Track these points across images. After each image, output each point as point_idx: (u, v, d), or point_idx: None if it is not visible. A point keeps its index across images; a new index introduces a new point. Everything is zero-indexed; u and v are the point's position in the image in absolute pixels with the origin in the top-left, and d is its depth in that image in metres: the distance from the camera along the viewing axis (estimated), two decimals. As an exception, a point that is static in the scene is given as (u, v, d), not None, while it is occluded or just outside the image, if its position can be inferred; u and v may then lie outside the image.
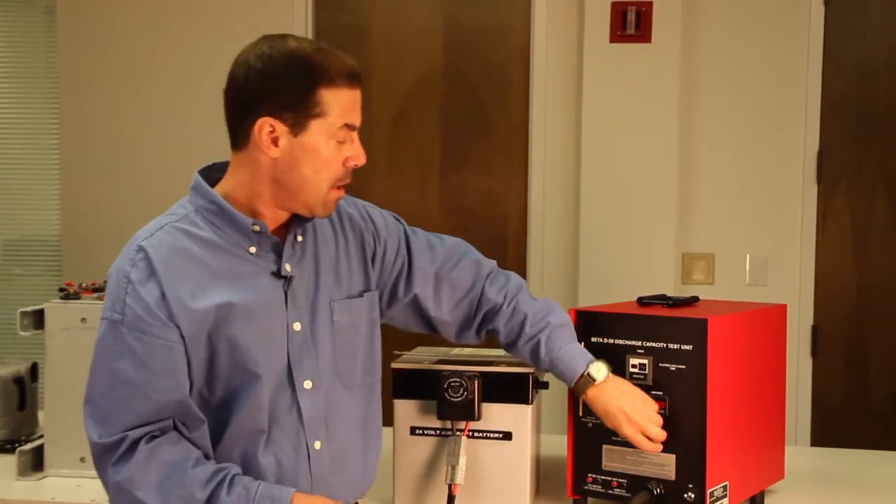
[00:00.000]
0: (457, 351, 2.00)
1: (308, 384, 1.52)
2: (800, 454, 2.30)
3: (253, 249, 1.49)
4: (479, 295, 1.77)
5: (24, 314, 2.08)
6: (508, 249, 3.68)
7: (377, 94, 3.73)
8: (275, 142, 1.46)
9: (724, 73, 3.52)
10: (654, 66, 3.41)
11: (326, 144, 1.47)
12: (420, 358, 1.90)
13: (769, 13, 3.50)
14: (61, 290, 2.12)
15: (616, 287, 3.15)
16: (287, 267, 1.52)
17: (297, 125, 1.46)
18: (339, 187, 1.51)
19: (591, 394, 1.68)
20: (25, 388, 2.44)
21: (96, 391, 1.44)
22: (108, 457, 1.42)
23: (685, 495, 1.65)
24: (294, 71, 1.45)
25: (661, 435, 1.65)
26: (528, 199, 3.65)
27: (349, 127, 1.49)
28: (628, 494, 1.70)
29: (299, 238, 1.55)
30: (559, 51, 3.58)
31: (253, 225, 1.48)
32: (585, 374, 1.69)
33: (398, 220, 1.77)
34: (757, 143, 3.52)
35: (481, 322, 1.79)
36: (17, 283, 4.16)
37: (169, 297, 1.42)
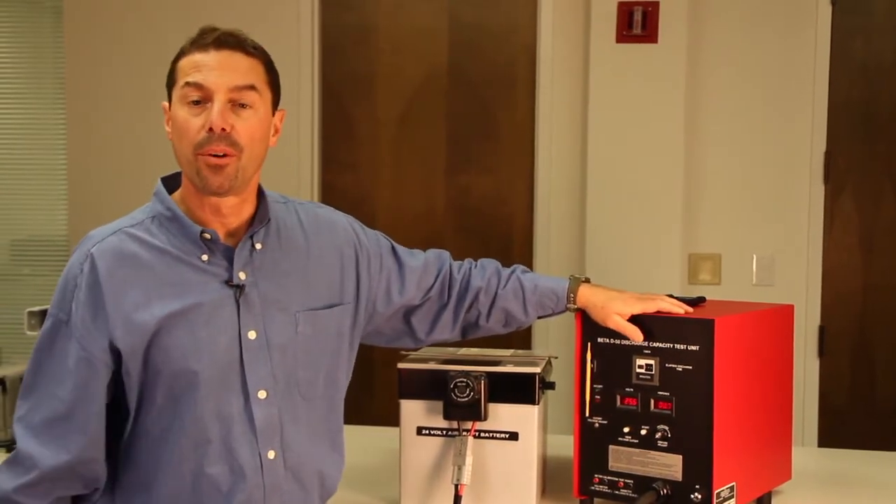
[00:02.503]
0: (463, 351, 2.00)
1: (262, 394, 1.51)
2: (807, 455, 2.30)
3: (205, 257, 1.50)
4: (448, 271, 1.83)
5: (31, 314, 2.09)
6: (514, 249, 3.68)
7: (382, 94, 3.74)
8: (167, 122, 1.52)
9: (731, 74, 3.51)
10: (660, 66, 3.41)
11: (179, 109, 1.47)
12: (426, 358, 1.90)
13: (776, 13, 3.49)
14: (68, 289, 2.12)
15: (622, 287, 3.14)
16: (241, 275, 1.51)
17: (170, 100, 1.51)
18: (207, 154, 1.45)
19: (584, 290, 1.77)
20: (32, 388, 2.44)
21: (29, 382, 1.49)
22: (11, 469, 1.47)
23: (692, 496, 1.65)
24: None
25: (676, 305, 1.72)
26: (534, 199, 3.65)
27: (191, 86, 1.46)
28: (635, 495, 1.70)
29: (258, 246, 1.54)
30: (565, 51, 3.58)
31: (203, 233, 1.49)
32: (570, 278, 1.80)
33: (384, 236, 1.80)
34: (764, 143, 3.52)
35: (460, 296, 1.81)
36: (25, 282, 4.18)
37: (108, 310, 1.44)
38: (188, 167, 1.48)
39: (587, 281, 1.81)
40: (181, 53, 1.50)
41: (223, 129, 1.44)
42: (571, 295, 1.78)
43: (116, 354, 1.45)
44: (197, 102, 1.46)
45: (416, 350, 1.93)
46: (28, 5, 4.20)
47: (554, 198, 3.62)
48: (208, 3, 3.72)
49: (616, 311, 1.71)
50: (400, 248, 1.80)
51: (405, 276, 1.76)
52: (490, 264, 1.86)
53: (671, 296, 1.82)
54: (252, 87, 1.48)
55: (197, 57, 1.47)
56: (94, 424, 1.47)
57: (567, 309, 1.80)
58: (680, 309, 1.71)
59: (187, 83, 1.46)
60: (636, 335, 1.69)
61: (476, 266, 1.86)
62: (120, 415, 1.50)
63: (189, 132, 1.46)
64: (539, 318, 1.85)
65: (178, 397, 1.47)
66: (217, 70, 1.45)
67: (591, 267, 3.47)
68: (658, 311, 1.71)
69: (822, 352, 3.55)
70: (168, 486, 1.49)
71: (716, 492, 1.64)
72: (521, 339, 3.61)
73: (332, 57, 3.75)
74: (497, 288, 1.82)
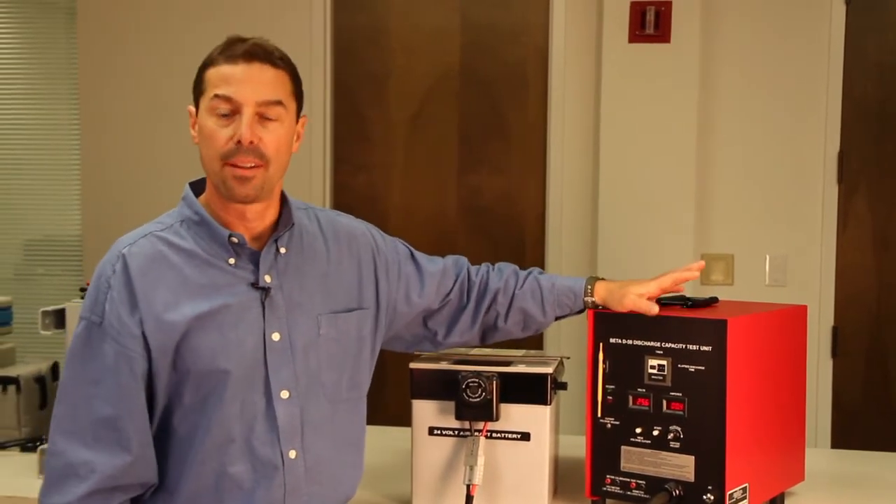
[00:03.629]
0: (476, 351, 2.00)
1: (285, 394, 1.53)
2: (820, 456, 2.29)
3: (232, 261, 1.52)
4: (466, 275, 1.85)
5: (45, 314, 2.11)
6: (526, 250, 3.68)
7: (394, 95, 3.74)
8: (193, 126, 1.54)
9: (744, 73, 3.50)
10: (672, 65, 3.40)
11: (207, 119, 1.49)
12: (438, 358, 1.90)
13: (789, 12, 3.48)
14: (82, 289, 2.13)
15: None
16: (266, 278, 1.53)
17: (196, 107, 1.53)
18: (233, 165, 1.48)
19: (602, 283, 1.81)
20: (46, 387, 2.46)
21: (65, 387, 1.48)
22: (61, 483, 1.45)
23: (704, 497, 1.64)
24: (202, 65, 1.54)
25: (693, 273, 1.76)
26: (546, 200, 3.65)
27: (221, 98, 1.48)
28: (647, 496, 1.70)
29: (282, 250, 1.56)
30: (577, 50, 3.57)
31: (231, 237, 1.51)
32: (588, 277, 1.84)
33: (402, 242, 1.82)
34: (777, 143, 3.50)
35: (478, 298, 1.84)
36: (39, 282, 4.20)
37: (141, 308, 1.45)
38: (215, 176, 1.51)
39: (603, 279, 1.84)
40: (210, 62, 1.51)
41: (251, 143, 1.47)
42: (589, 288, 1.82)
43: (148, 353, 1.46)
44: (225, 114, 1.48)
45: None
46: (41, 5, 4.22)
47: (566, 198, 3.61)
48: (221, 4, 3.72)
49: (633, 290, 1.74)
50: (419, 254, 1.83)
51: (425, 281, 1.79)
52: (507, 267, 1.88)
53: (683, 296, 1.83)
54: (279, 103, 1.51)
55: (226, 69, 1.49)
56: (144, 421, 1.48)
57: (584, 304, 1.82)
58: (690, 273, 1.76)
59: (216, 95, 1.48)
60: (652, 308, 1.70)
61: (494, 269, 1.88)
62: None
63: (217, 142, 1.48)
64: (557, 318, 1.86)
65: (206, 397, 1.49)
66: (246, 83, 1.48)
67: (603, 267, 3.46)
68: (674, 283, 1.75)
69: (836, 352, 3.54)
70: (191, 485, 1.50)
71: (728, 493, 1.63)
72: (532, 339, 3.59)
73: (345, 58, 3.76)
74: (515, 288, 1.84)
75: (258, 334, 1.51)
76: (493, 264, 1.90)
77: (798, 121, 3.49)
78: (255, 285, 1.52)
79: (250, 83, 1.48)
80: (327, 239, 1.65)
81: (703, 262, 1.77)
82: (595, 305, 1.81)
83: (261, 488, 1.51)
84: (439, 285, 1.81)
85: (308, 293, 1.58)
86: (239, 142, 1.47)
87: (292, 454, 1.53)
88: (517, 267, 1.89)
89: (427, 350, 1.88)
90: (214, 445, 1.49)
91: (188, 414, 1.49)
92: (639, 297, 1.72)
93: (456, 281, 1.83)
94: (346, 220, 1.73)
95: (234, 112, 1.48)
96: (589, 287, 1.82)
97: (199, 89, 1.52)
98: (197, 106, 1.53)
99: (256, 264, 1.53)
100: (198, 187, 1.59)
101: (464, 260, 1.88)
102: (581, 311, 1.84)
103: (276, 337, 1.53)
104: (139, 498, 1.50)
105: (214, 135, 1.48)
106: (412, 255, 1.81)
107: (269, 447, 1.51)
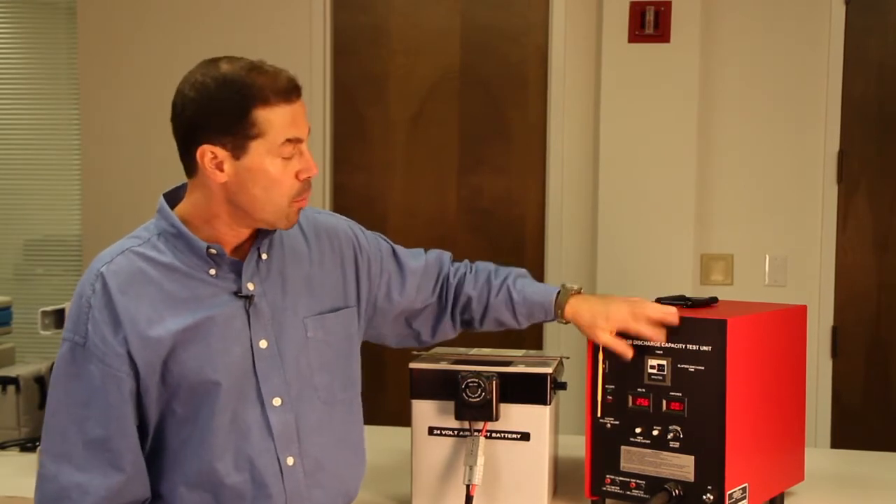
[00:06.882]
0: (475, 351, 2.00)
1: (277, 401, 1.52)
2: (820, 456, 2.29)
3: (213, 272, 1.50)
4: (446, 275, 1.84)
5: (44, 314, 2.10)
6: (526, 250, 3.68)
7: (395, 95, 3.74)
8: (219, 167, 1.46)
9: (744, 73, 3.50)
10: (672, 65, 3.40)
11: (272, 163, 1.46)
12: (438, 358, 1.90)
13: (789, 12, 3.48)
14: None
15: (634, 288, 3.14)
16: (249, 286, 1.52)
17: (238, 148, 1.44)
18: (301, 201, 1.51)
19: (572, 303, 1.75)
20: (46, 388, 2.45)
21: (53, 410, 1.46)
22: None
23: (704, 497, 1.64)
24: (226, 95, 1.43)
25: (657, 333, 1.66)
26: (546, 200, 3.65)
27: (293, 141, 1.46)
28: (647, 496, 1.70)
29: (263, 256, 1.55)
30: (577, 50, 3.58)
31: (209, 249, 1.49)
32: (560, 290, 1.78)
33: (384, 239, 1.81)
34: (777, 143, 3.50)
35: (454, 301, 1.83)
36: (38, 282, 4.20)
37: (125, 326, 1.44)
38: (274, 213, 1.49)
39: (578, 292, 1.79)
40: (262, 100, 1.43)
41: None
42: (559, 311, 1.78)
43: (135, 370, 1.45)
44: (289, 157, 1.47)
45: (426, 350, 1.94)
46: (41, 6, 4.22)
47: (566, 198, 3.61)
48: (221, 4, 3.72)
49: (601, 328, 1.70)
50: (400, 250, 1.81)
51: (406, 279, 1.78)
52: (483, 272, 1.85)
53: (683, 296, 1.82)
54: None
55: (289, 109, 1.46)
56: (135, 440, 1.47)
57: (556, 320, 1.80)
58: (660, 335, 1.67)
59: (288, 140, 1.46)
60: (626, 352, 1.69)
61: (471, 271, 1.86)
62: (139, 432, 1.49)
63: (284, 183, 1.47)
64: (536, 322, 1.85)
65: (198, 410, 1.48)
66: (302, 120, 1.49)
67: (603, 268, 3.47)
68: (638, 334, 1.69)
69: (836, 352, 3.54)
70: (190, 499, 1.49)
71: (728, 493, 1.63)
72: (532, 338, 3.60)
73: (345, 58, 3.76)
74: (488, 298, 1.82)
75: (245, 343, 1.50)
76: (472, 263, 1.88)
77: (798, 121, 3.49)
78: (238, 294, 1.51)
79: (304, 119, 1.49)
80: (308, 238, 1.64)
81: (677, 319, 1.66)
82: (567, 323, 1.78)
83: (262, 497, 1.50)
84: (420, 283, 1.80)
85: (292, 297, 1.57)
86: (298, 178, 1.48)
87: (290, 461, 1.53)
88: (495, 268, 1.85)
89: (413, 346, 1.88)
90: (210, 457, 1.48)
91: (181, 427, 1.48)
92: (611, 338, 1.69)
93: (437, 280, 1.83)
94: (326, 218, 1.71)
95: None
96: (559, 310, 1.77)
97: (249, 130, 1.43)
98: (239, 145, 1.44)
99: (238, 273, 1.52)
100: (171, 196, 1.56)
101: (446, 257, 1.87)
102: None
103: (263, 344, 1.52)
104: None
105: (282, 176, 1.47)
106: (394, 251, 1.79)
107: (265, 456, 1.50)
